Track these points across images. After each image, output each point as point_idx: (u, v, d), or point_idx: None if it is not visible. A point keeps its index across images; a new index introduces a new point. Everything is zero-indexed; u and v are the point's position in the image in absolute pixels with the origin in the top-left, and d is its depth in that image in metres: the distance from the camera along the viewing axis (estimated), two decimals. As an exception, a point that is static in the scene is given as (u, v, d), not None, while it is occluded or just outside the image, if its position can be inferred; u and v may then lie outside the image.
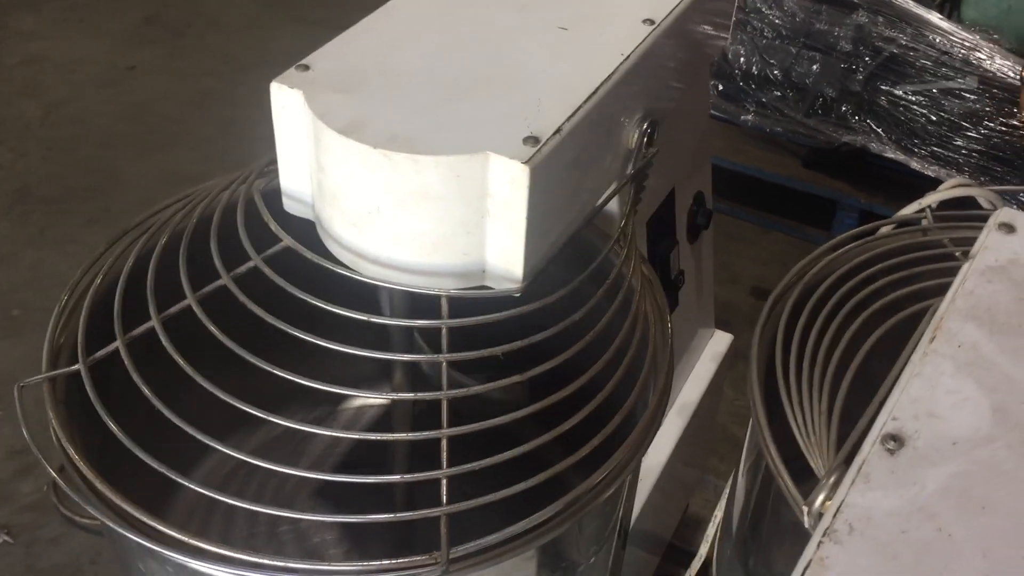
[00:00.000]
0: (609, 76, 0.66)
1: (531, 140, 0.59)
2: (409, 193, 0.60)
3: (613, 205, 0.74)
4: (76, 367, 0.60)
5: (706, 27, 0.86)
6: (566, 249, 0.69)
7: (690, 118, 0.95)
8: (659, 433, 0.67)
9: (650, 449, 0.66)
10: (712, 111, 2.00)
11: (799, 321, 0.62)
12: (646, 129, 0.74)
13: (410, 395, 0.66)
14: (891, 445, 0.38)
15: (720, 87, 2.14)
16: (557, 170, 0.62)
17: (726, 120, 2.11)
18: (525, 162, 0.58)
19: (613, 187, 0.72)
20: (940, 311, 0.45)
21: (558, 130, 0.61)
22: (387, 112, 0.61)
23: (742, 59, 2.13)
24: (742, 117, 2.10)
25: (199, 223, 0.69)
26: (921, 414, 0.40)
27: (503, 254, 0.62)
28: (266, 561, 0.51)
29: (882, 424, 0.39)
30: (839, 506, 0.36)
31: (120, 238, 0.68)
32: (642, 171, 0.75)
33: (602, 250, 0.70)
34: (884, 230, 0.73)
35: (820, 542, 0.35)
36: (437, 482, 0.56)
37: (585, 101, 0.64)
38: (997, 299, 0.46)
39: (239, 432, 0.86)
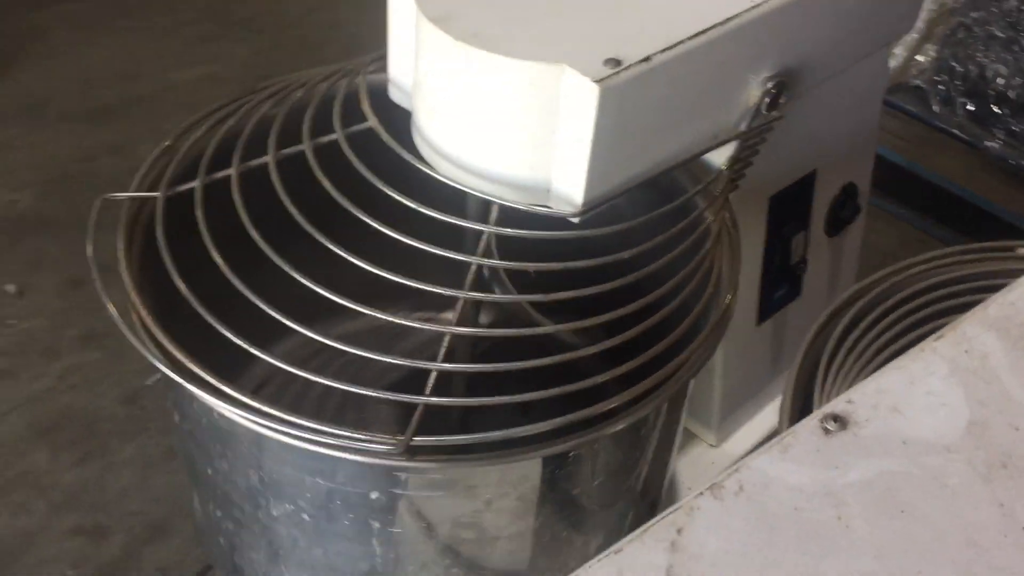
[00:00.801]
0: (727, 20, 0.64)
1: (612, 62, 0.58)
2: (483, 92, 0.60)
3: (720, 158, 0.71)
4: (155, 194, 0.66)
5: (883, 1, 0.80)
6: (649, 190, 0.67)
7: (850, 102, 0.89)
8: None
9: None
10: (953, 129, 1.86)
11: (850, 336, 0.58)
12: (771, 89, 0.71)
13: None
14: (830, 425, 0.35)
15: (969, 106, 1.98)
16: (639, 100, 0.60)
17: (967, 143, 1.94)
18: (597, 81, 0.57)
19: (714, 140, 0.69)
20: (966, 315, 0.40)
21: (647, 58, 0.59)
22: (483, 10, 0.62)
23: (1001, 80, 1.95)
24: (986, 143, 1.93)
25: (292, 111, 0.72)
26: (882, 405, 0.36)
27: (567, 175, 0.62)
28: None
29: (832, 403, 0.36)
30: (736, 466, 0.34)
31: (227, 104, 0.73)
32: (756, 133, 0.72)
33: (687, 194, 0.68)
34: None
35: (700, 492, 0.33)
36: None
37: (689, 38, 0.62)
38: (1041, 317, 0.41)
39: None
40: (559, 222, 0.63)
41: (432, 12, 0.61)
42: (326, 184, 0.63)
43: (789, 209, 0.89)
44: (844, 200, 0.96)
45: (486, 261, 0.61)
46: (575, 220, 0.63)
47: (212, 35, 1.86)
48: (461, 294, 0.61)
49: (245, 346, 0.56)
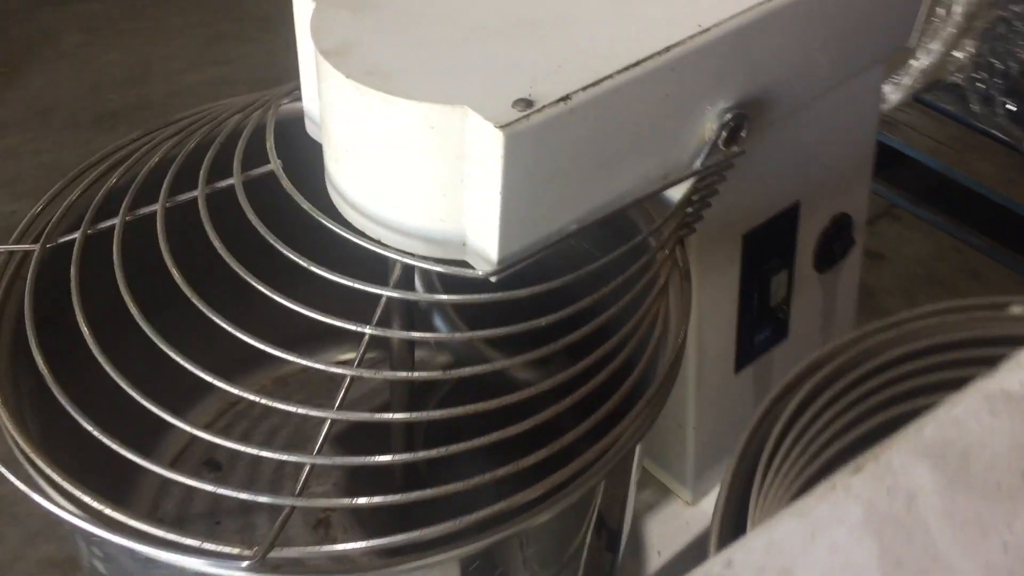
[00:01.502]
0: (665, 50, 0.57)
1: (522, 103, 0.52)
2: (381, 135, 0.54)
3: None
4: (32, 247, 0.60)
5: (866, 14, 0.72)
6: (604, 228, 0.61)
7: (837, 125, 0.81)
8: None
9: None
10: (993, 131, 1.76)
11: (797, 422, 0.51)
12: (729, 123, 0.63)
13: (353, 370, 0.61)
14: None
15: (1010, 106, 1.88)
16: (559, 144, 0.54)
17: (1009, 144, 1.84)
18: (501, 126, 0.50)
19: (663, 181, 0.62)
20: (896, 436, 0.33)
21: (565, 98, 0.53)
22: (383, 40, 0.56)
23: (1049, 82, 1.85)
24: (1029, 146, 1.83)
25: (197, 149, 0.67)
26: (771, 568, 0.29)
27: (480, 229, 0.55)
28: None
29: (710, 564, 0.29)
30: None
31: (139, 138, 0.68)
32: (714, 172, 0.65)
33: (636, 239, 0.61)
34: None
35: None
36: (449, 462, 0.52)
37: (618, 72, 0.55)
38: (989, 440, 0.33)
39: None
40: (476, 283, 0.57)
41: (325, 44, 0.55)
42: (213, 239, 0.58)
43: (767, 246, 0.82)
44: (835, 233, 0.88)
45: (376, 331, 0.54)
46: (492, 280, 0.57)
47: (225, 36, 1.81)
48: (367, 330, 0.54)
49: (132, 456, 0.50)
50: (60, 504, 0.50)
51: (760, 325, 0.85)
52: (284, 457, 0.49)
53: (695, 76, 0.60)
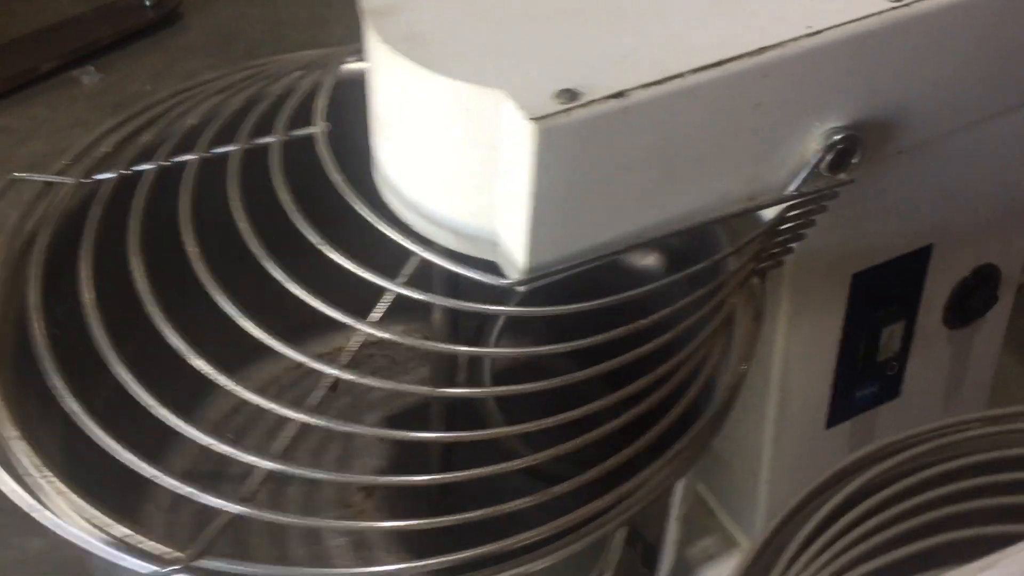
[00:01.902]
0: (761, 50, 0.49)
1: (567, 94, 0.45)
2: (414, 110, 0.49)
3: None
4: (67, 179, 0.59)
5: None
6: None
7: (991, 162, 0.70)
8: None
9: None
10: None
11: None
12: (836, 144, 0.54)
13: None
14: None
15: None
16: (609, 147, 0.47)
17: None
18: (535, 118, 0.44)
19: (748, 203, 0.54)
20: None
21: (619, 94, 0.46)
22: (434, 6, 0.50)
23: None
24: None
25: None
26: None
27: (510, 231, 0.49)
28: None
29: None
30: None
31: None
32: (812, 200, 0.56)
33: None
34: None
35: None
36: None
37: (696, 70, 0.47)
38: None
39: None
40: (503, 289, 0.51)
41: (372, 1, 0.50)
42: (235, 206, 0.54)
43: (883, 291, 0.71)
44: (976, 286, 0.77)
45: (403, 290, 0.49)
46: (520, 289, 0.51)
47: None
48: (361, 325, 0.49)
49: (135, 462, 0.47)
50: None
51: (864, 379, 0.75)
52: (233, 453, 0.45)
53: (796, 86, 0.51)
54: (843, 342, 0.72)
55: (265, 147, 0.57)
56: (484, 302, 0.53)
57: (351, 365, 0.48)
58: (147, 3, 1.67)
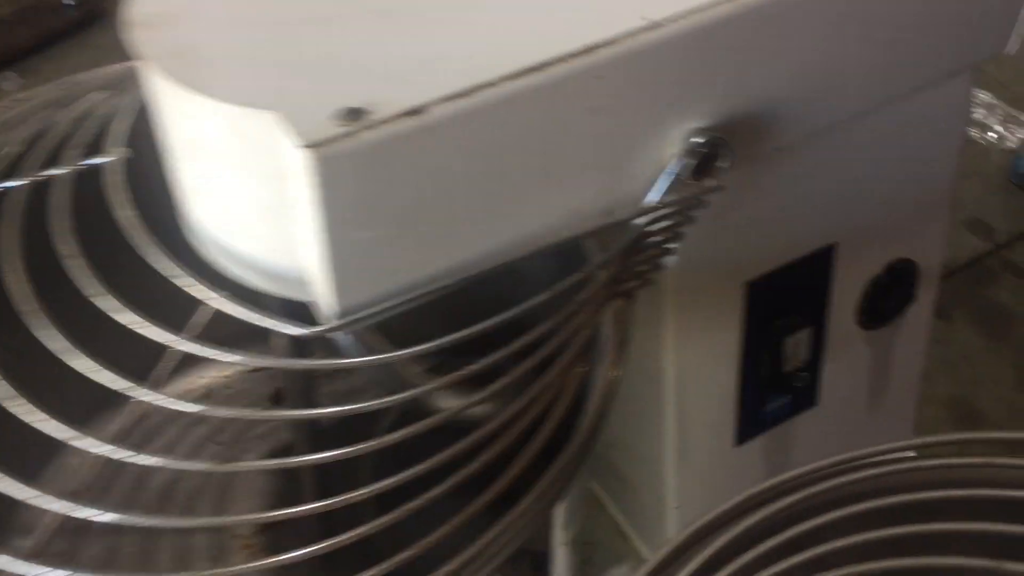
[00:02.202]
0: (588, 49, 0.42)
1: (351, 114, 0.39)
2: (191, 137, 0.43)
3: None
4: None
5: (932, 11, 0.55)
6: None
7: (896, 154, 0.64)
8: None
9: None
10: None
11: None
12: (696, 148, 0.49)
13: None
14: None
15: None
16: (413, 171, 0.41)
17: None
18: (310, 144, 0.38)
19: (606, 218, 0.48)
20: None
21: (416, 110, 0.39)
22: (210, 16, 0.44)
23: None
24: None
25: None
26: None
27: (313, 270, 0.43)
28: None
29: None
30: None
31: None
32: (676, 211, 0.50)
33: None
34: None
35: None
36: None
37: (509, 78, 0.41)
38: None
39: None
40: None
41: (138, 10, 0.44)
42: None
43: (784, 298, 0.66)
44: (890, 285, 0.71)
45: (190, 347, 0.43)
46: (342, 334, 0.45)
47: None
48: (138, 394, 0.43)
49: None
50: None
51: (772, 392, 0.70)
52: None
53: (638, 87, 0.45)
54: (744, 355, 0.66)
55: (51, 180, 0.51)
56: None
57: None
58: (71, 2, 1.59)
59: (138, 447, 0.41)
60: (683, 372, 0.65)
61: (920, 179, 0.68)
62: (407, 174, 0.41)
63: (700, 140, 0.49)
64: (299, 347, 0.57)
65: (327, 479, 0.65)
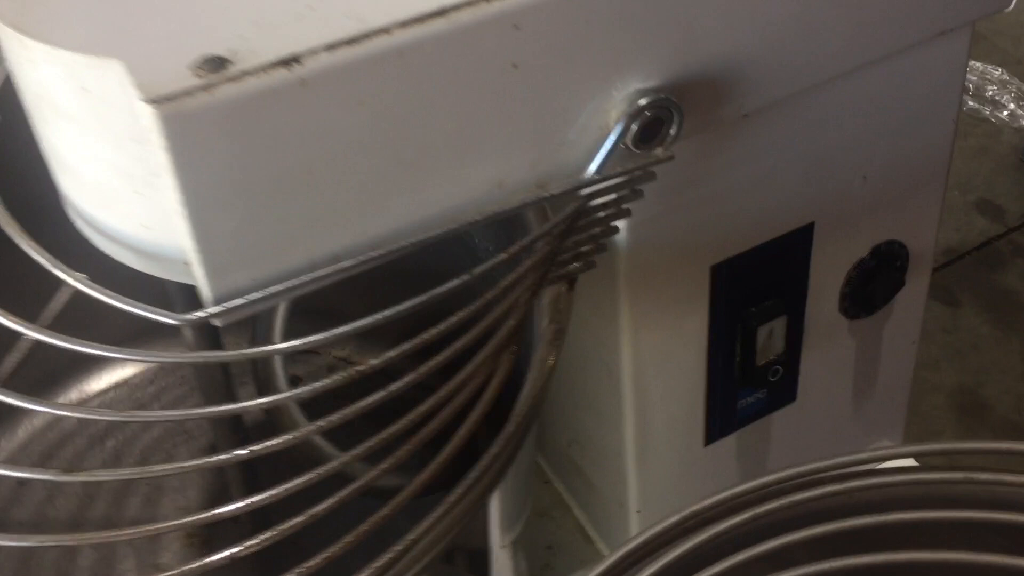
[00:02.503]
0: (502, -11, 0.37)
1: (212, 63, 0.33)
2: (36, 92, 0.37)
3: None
4: None
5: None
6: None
7: (881, 120, 0.58)
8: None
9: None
10: None
11: None
12: (641, 112, 0.43)
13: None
14: None
15: None
16: (291, 131, 0.35)
17: None
18: (157, 99, 0.32)
19: (540, 192, 0.42)
20: None
21: (291, 60, 0.34)
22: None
23: None
24: None
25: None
26: None
27: (186, 248, 0.37)
28: None
29: None
30: None
31: None
32: (621, 184, 0.44)
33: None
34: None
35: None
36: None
37: (411, 23, 0.35)
38: None
39: None
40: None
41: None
42: None
43: (756, 283, 0.60)
44: (876, 269, 0.65)
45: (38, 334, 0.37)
46: (217, 322, 0.39)
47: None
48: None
49: None
50: None
51: (745, 387, 0.64)
52: None
53: (568, 39, 0.39)
54: (711, 346, 0.61)
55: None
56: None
57: None
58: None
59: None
60: (643, 365, 0.59)
61: (911, 151, 0.61)
62: (282, 137, 0.35)
63: (645, 102, 0.43)
64: (214, 338, 0.52)
65: (256, 476, 0.61)
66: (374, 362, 0.39)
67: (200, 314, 0.38)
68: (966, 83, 1.60)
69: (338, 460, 0.40)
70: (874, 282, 0.66)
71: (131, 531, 0.39)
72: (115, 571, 0.69)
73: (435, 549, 0.43)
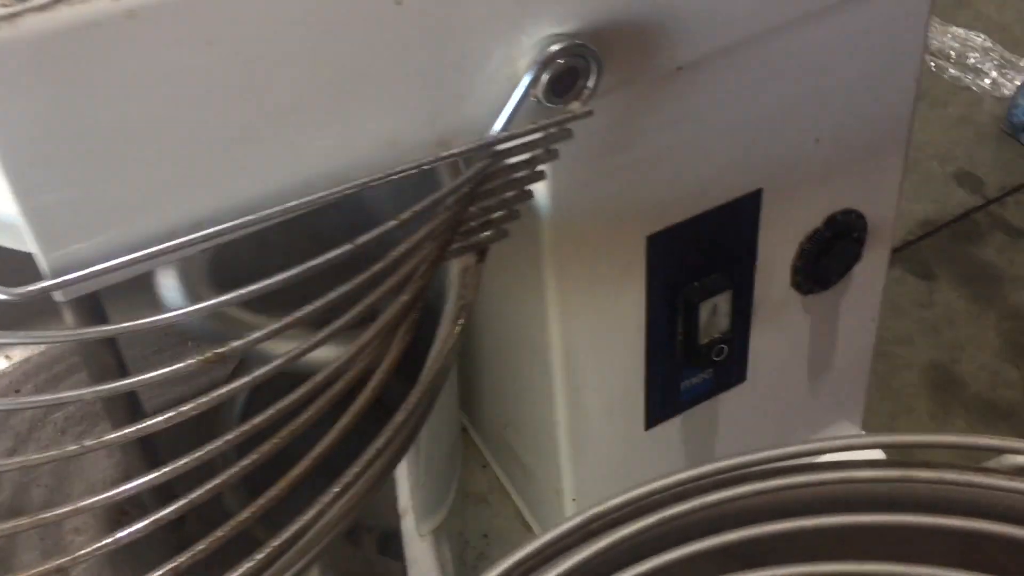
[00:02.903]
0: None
1: (16, -10, 0.28)
2: None
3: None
4: None
5: None
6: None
7: (835, 77, 0.53)
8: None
9: None
10: None
11: None
12: (553, 59, 0.38)
13: None
14: None
15: None
16: (114, 76, 0.30)
17: None
18: (-55, 32, 0.27)
19: (439, 151, 0.38)
20: None
21: (114, -12, 0.29)
22: None
23: None
24: None
25: None
26: None
27: (12, 214, 0.33)
28: None
29: None
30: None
31: None
32: (532, 141, 0.40)
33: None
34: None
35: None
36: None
37: (260, -53, 0.30)
38: None
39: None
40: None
41: None
42: None
43: (696, 255, 0.56)
44: (831, 240, 0.61)
45: None
46: (59, 298, 0.34)
47: None
48: None
49: None
50: None
51: (688, 368, 0.60)
52: None
53: (461, -28, 0.35)
54: (649, 324, 0.56)
55: None
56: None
57: None
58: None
59: None
60: (574, 344, 0.55)
61: (867, 112, 0.57)
62: (110, 81, 0.30)
63: (557, 49, 0.38)
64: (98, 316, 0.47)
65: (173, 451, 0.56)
66: (235, 343, 0.34)
67: (32, 288, 0.33)
68: (947, 50, 1.56)
69: (230, 435, 0.36)
70: (829, 255, 0.62)
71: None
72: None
73: (338, 526, 0.39)
